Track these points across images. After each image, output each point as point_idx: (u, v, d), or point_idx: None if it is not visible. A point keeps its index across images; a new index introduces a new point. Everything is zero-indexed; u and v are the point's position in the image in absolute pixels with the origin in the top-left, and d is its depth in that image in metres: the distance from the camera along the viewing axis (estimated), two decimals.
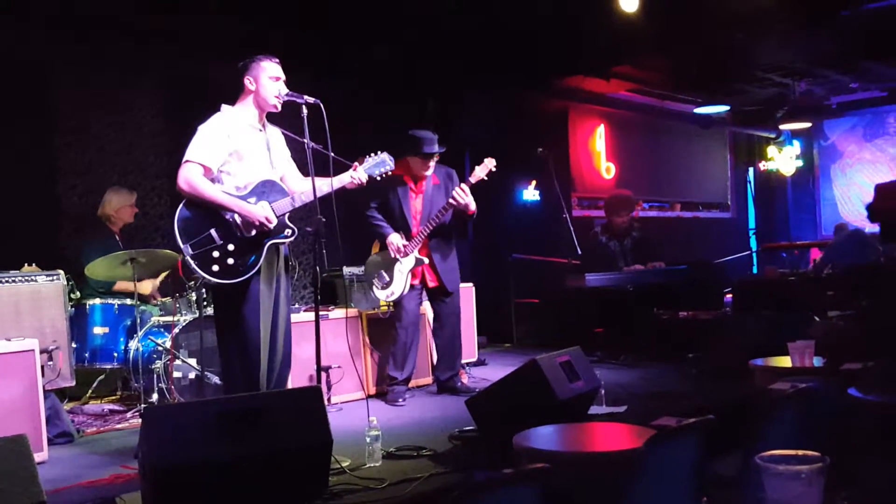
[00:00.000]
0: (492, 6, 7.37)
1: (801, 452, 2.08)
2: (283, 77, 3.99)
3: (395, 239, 5.47)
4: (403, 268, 5.49)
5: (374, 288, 5.55)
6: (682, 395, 5.23)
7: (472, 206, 5.41)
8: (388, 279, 5.50)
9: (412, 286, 5.53)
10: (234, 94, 4.04)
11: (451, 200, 5.39)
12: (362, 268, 5.80)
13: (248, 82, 3.95)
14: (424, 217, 5.55)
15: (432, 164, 5.55)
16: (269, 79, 3.94)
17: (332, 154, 3.86)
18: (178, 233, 3.78)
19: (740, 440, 2.46)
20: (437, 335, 5.74)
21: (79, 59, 6.37)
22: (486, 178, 5.44)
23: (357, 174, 4.09)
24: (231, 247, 3.81)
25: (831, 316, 5.91)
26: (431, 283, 5.61)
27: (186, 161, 3.84)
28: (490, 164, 5.44)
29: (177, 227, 3.79)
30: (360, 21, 7.17)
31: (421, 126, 5.71)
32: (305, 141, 3.85)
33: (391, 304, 5.67)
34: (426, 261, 5.56)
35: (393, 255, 5.46)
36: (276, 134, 4.16)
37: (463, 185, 5.40)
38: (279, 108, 3.99)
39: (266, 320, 3.90)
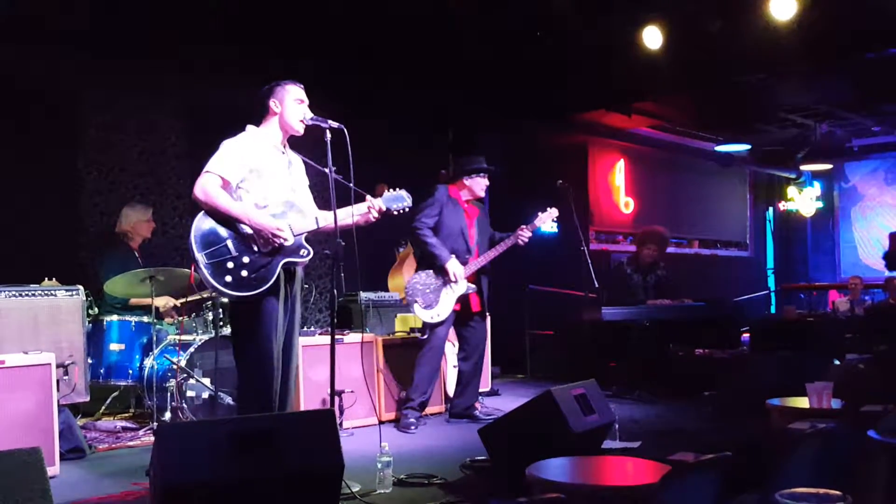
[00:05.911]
0: (514, 40, 7.44)
1: (822, 491, 2.05)
2: (306, 101, 4.01)
3: (456, 266, 5.48)
4: (454, 293, 5.51)
5: (417, 306, 5.49)
6: (697, 433, 5.18)
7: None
8: (433, 300, 5.48)
9: (454, 311, 5.55)
10: (257, 120, 4.05)
11: (518, 240, 5.61)
12: (379, 293, 5.77)
13: (274, 104, 3.96)
14: (477, 243, 5.64)
15: (487, 182, 5.70)
16: (294, 101, 3.96)
17: (353, 184, 3.85)
18: (195, 241, 3.73)
19: (758, 478, 2.43)
20: (464, 361, 5.72)
21: (105, 82, 6.49)
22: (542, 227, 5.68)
23: (376, 202, 4.08)
24: (246, 259, 3.78)
25: (850, 359, 5.85)
26: (475, 308, 5.65)
27: (206, 171, 3.83)
28: (553, 213, 5.69)
29: (193, 236, 3.74)
30: (381, 53, 7.25)
31: (441, 157, 5.76)
32: (328, 166, 3.85)
33: (425, 327, 5.61)
34: (475, 288, 5.61)
35: (450, 281, 5.47)
36: (297, 160, 4.16)
37: (526, 228, 5.61)
38: (301, 132, 4.01)
39: (280, 339, 3.89)
